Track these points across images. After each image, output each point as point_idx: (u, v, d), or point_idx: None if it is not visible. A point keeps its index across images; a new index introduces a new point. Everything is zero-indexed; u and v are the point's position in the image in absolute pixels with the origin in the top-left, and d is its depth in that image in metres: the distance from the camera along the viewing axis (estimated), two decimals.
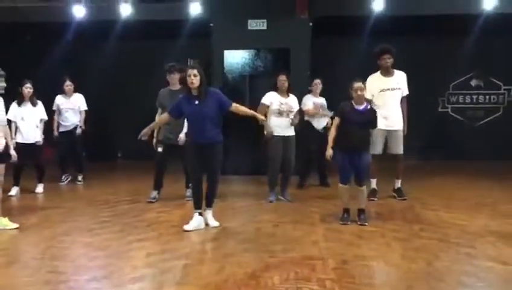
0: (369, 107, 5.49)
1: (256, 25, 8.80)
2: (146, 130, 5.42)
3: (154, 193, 6.68)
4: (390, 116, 6.59)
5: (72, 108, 8.04)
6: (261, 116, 5.69)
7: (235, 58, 9.17)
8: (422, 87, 9.12)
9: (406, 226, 5.36)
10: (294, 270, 3.97)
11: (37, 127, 7.23)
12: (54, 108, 7.97)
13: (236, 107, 5.30)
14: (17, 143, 6.75)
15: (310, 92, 7.59)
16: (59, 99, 8.03)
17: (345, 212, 5.53)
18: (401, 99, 6.70)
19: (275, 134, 6.49)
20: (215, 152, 5.22)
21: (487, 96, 10.92)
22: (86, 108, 8.15)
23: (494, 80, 10.82)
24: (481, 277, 3.88)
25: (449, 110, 11.00)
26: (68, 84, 8.02)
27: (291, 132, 6.62)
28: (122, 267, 4.09)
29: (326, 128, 7.51)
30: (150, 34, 9.82)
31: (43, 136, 7.31)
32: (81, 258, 4.43)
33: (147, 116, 6.95)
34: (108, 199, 6.87)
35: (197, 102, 5.12)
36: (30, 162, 7.31)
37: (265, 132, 6.43)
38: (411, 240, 4.86)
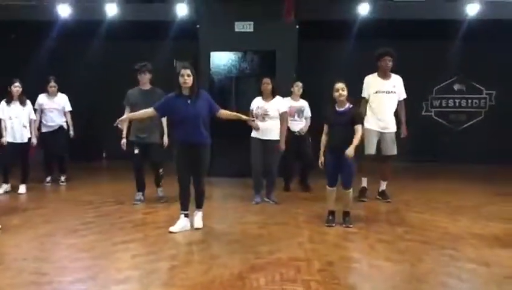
0: (350, 106, 5.43)
1: (243, 27, 8.81)
2: (124, 118, 5.48)
3: (139, 195, 6.67)
4: (385, 119, 6.69)
5: (57, 108, 8.00)
6: (244, 116, 5.63)
7: (222, 60, 9.18)
8: (407, 90, 9.20)
9: (390, 228, 5.43)
10: (279, 272, 4.00)
11: (25, 126, 7.19)
12: (36, 107, 7.86)
13: (221, 113, 5.35)
14: (8, 143, 6.88)
15: (291, 93, 7.59)
16: (42, 99, 7.96)
17: (330, 214, 5.58)
18: (399, 103, 6.78)
19: (254, 136, 6.53)
20: (205, 154, 5.23)
21: (469, 101, 11.09)
22: (71, 108, 8.11)
23: (476, 85, 11.00)
24: (464, 279, 3.95)
25: (432, 113, 11.15)
26: (52, 85, 7.96)
27: (271, 136, 6.51)
28: (107, 269, 4.07)
29: (300, 132, 7.50)
30: (136, 34, 9.76)
31: (31, 136, 7.30)
32: (65, 259, 4.38)
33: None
34: (92, 200, 6.81)
35: (189, 101, 5.11)
36: (16, 162, 7.26)
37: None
38: (395, 242, 4.92)
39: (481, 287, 3.81)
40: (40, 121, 7.94)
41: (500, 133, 10.39)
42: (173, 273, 3.99)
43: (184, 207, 5.29)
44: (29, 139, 7.29)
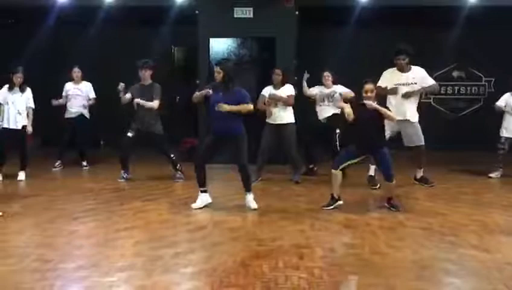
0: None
1: (243, 13, 8.73)
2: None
3: (123, 173, 7.14)
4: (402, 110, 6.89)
5: (80, 94, 8.25)
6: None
7: (221, 46, 9.11)
8: None
9: (391, 215, 5.44)
10: (282, 259, 4.02)
11: (20, 113, 7.16)
12: (63, 94, 8.19)
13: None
14: (3, 128, 7.01)
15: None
16: (68, 86, 8.26)
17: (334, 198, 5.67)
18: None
19: (268, 122, 6.98)
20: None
21: (468, 88, 11.07)
22: (95, 96, 8.37)
23: (476, 72, 10.98)
24: (465, 265, 3.98)
25: (432, 100, 11.13)
26: (76, 71, 8.23)
27: (283, 120, 6.97)
28: (110, 256, 4.09)
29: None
30: (135, 20, 9.66)
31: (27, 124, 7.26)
32: (68, 246, 4.40)
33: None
34: (92, 187, 6.80)
35: (221, 93, 5.43)
36: (14, 149, 7.25)
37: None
38: (396, 229, 4.95)
39: (482, 274, 3.83)
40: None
41: (499, 119, 10.39)
42: (176, 260, 4.00)
43: (203, 185, 5.71)
44: (24, 126, 7.22)
